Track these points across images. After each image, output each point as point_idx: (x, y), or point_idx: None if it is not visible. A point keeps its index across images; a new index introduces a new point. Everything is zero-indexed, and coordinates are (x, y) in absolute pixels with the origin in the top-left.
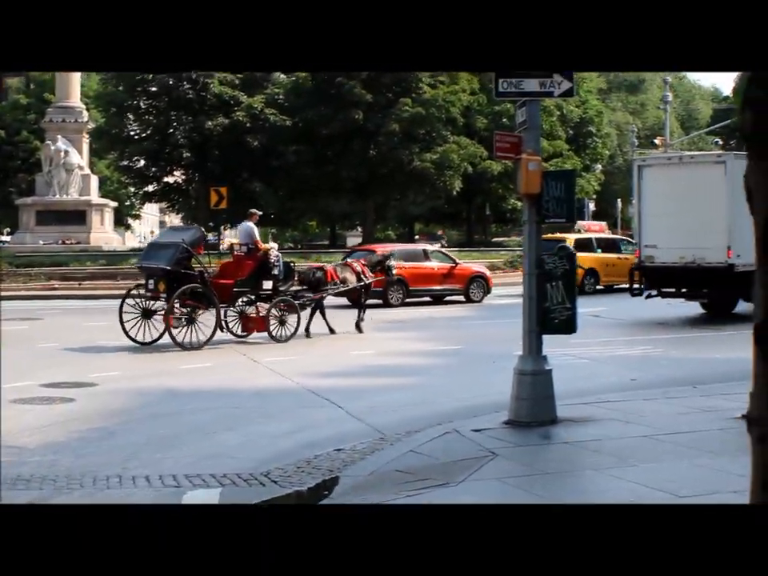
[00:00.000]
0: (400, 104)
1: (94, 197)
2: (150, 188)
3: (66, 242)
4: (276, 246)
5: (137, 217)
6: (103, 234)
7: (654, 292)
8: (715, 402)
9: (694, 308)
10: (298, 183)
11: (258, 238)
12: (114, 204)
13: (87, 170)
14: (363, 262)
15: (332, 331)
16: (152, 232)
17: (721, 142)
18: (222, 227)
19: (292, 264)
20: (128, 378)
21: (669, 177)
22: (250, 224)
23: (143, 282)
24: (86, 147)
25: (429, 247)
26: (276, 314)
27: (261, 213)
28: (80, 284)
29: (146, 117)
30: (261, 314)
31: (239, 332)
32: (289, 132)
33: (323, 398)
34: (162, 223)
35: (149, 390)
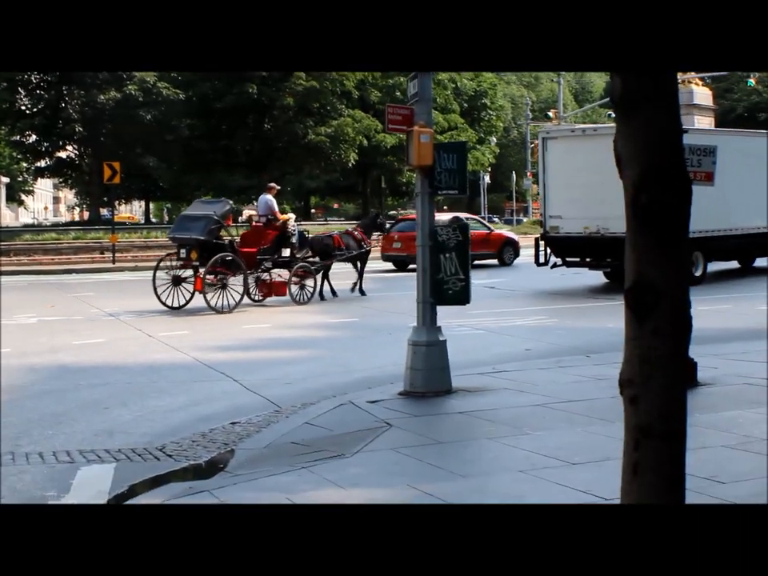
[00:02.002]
0: (294, 77)
1: None
2: (43, 163)
3: None
4: (294, 216)
5: (30, 192)
6: None
7: (559, 261)
8: (607, 370)
9: (596, 277)
10: (192, 157)
11: (277, 209)
12: (6, 180)
13: None
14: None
15: (334, 294)
16: (45, 207)
17: (614, 115)
18: (117, 202)
19: (306, 233)
20: (19, 354)
21: (573, 149)
22: (269, 197)
23: (174, 251)
24: None
25: (466, 215)
26: (296, 279)
27: (279, 187)
28: None
29: (37, 91)
30: (278, 280)
31: (257, 297)
32: (182, 106)
33: (218, 371)
34: (55, 199)
35: (40, 366)
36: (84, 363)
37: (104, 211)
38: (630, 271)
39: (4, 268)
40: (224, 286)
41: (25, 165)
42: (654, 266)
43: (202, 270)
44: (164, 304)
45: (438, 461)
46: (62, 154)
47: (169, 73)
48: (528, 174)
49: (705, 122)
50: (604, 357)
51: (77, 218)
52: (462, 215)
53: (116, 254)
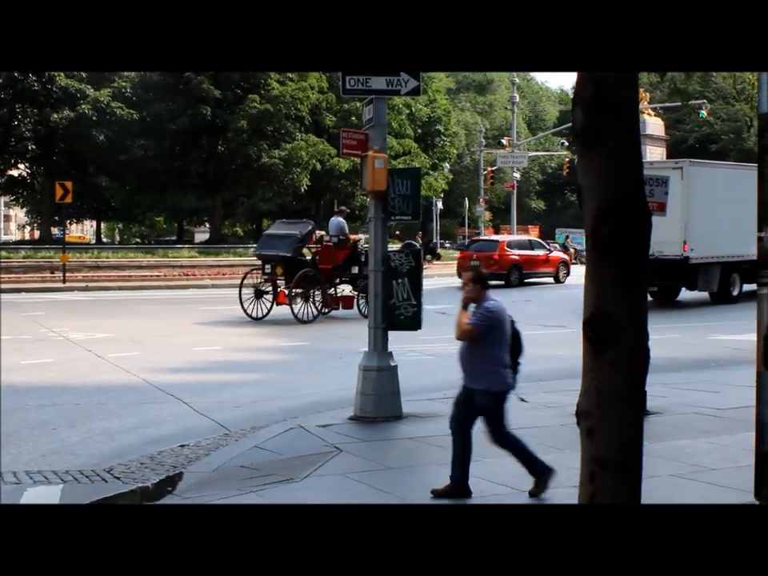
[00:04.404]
0: (248, 100)
1: None
2: None
3: None
4: (363, 237)
5: None
6: None
7: None
8: (557, 397)
9: (543, 304)
10: (145, 178)
11: (347, 230)
12: None
13: None
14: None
15: None
16: None
17: (567, 143)
18: (68, 221)
19: None
20: None
21: None
22: (341, 219)
23: (258, 267)
24: None
25: (532, 238)
26: (363, 294)
27: (348, 210)
28: None
29: None
30: (347, 294)
31: (324, 310)
32: (136, 126)
33: (167, 393)
34: (6, 217)
35: None
36: (32, 383)
37: (55, 230)
38: (588, 303)
39: None
40: (307, 299)
41: None
42: (613, 298)
43: (281, 284)
44: (248, 315)
45: (388, 486)
46: (14, 172)
47: (123, 92)
48: (481, 200)
49: (657, 152)
50: (554, 384)
51: (27, 237)
52: (525, 237)
53: (66, 274)
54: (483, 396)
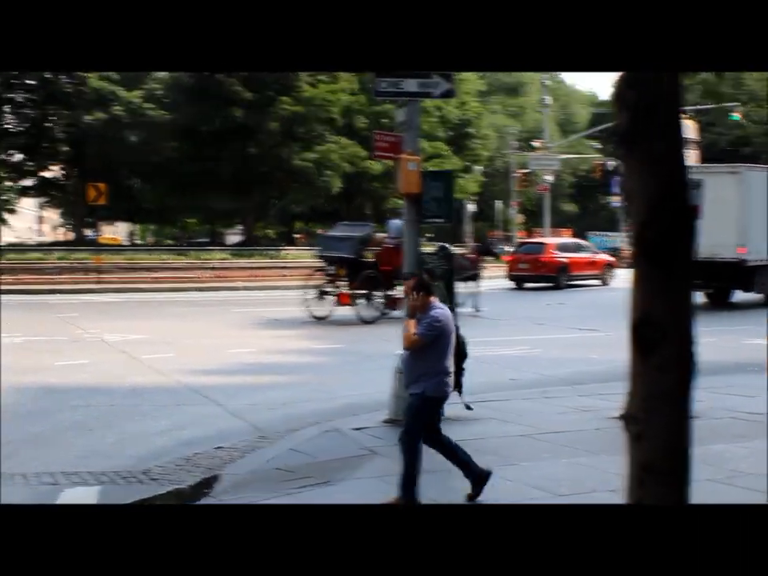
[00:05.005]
0: (280, 102)
1: None
2: (28, 182)
3: None
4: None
5: (13, 212)
6: None
7: None
8: (592, 401)
9: (579, 307)
10: (177, 180)
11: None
12: None
13: None
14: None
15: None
16: (29, 227)
17: (599, 146)
18: (101, 223)
19: None
20: (4, 374)
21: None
22: (400, 221)
23: (321, 268)
24: None
25: (579, 241)
26: None
27: None
28: None
29: (23, 110)
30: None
31: (384, 310)
32: (168, 128)
33: (202, 395)
34: (39, 218)
35: (25, 387)
36: (68, 384)
37: (88, 232)
38: (635, 307)
39: None
40: (369, 300)
41: (9, 184)
42: (659, 301)
43: (342, 285)
44: (312, 315)
45: (423, 490)
46: (47, 174)
47: (155, 94)
48: (513, 203)
49: (689, 154)
50: (588, 388)
51: (60, 238)
52: (572, 240)
53: (100, 275)
54: (415, 399)
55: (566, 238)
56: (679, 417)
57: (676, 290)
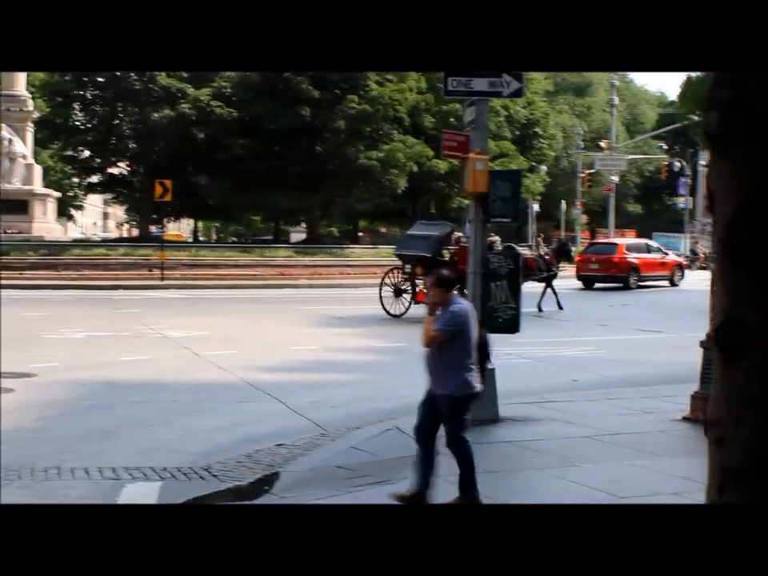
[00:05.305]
0: (347, 101)
1: (37, 186)
2: (94, 179)
3: (8, 231)
4: (499, 239)
5: (80, 208)
6: (45, 224)
7: None
8: (656, 403)
9: (644, 308)
10: (243, 177)
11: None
12: (57, 194)
13: (31, 160)
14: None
15: (540, 309)
16: (94, 223)
17: (666, 147)
18: (166, 219)
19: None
20: (67, 369)
21: None
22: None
23: (397, 266)
24: (30, 136)
25: (649, 242)
26: None
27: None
28: (21, 274)
29: (92, 107)
30: None
31: None
32: (235, 125)
33: (263, 392)
34: (105, 214)
35: (87, 382)
36: (130, 380)
37: (153, 228)
38: (720, 310)
39: (52, 282)
40: None
41: (76, 180)
42: (746, 305)
43: (419, 283)
44: (387, 312)
45: (486, 490)
46: (114, 171)
47: (223, 92)
48: (577, 203)
49: None
50: (652, 390)
51: (125, 234)
52: (643, 240)
53: (164, 272)
54: (446, 401)
55: (636, 239)
56: (765, 422)
57: (764, 294)
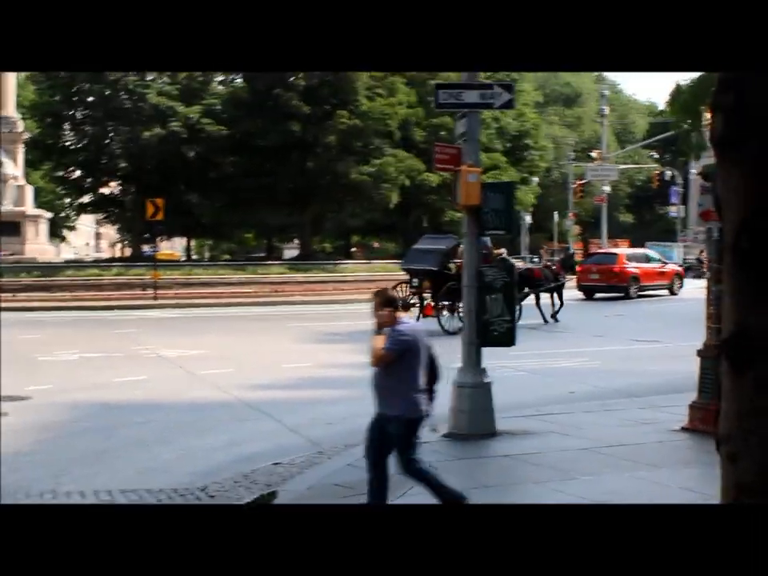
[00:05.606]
0: (337, 116)
1: (29, 208)
2: (86, 199)
3: (3, 253)
4: (505, 251)
5: (72, 228)
6: (38, 245)
7: None
8: (653, 414)
9: (638, 319)
10: (234, 195)
11: (491, 245)
12: (49, 215)
13: (22, 181)
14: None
15: (546, 321)
16: (87, 243)
17: (657, 156)
18: (158, 238)
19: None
20: (61, 391)
21: None
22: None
23: (405, 280)
24: (20, 157)
25: (647, 251)
26: None
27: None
28: (14, 296)
29: (82, 127)
30: None
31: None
32: (226, 143)
33: (259, 410)
34: (97, 234)
35: (82, 404)
36: (125, 401)
37: (146, 248)
38: (728, 320)
39: (46, 304)
40: (452, 311)
41: (68, 200)
42: (756, 314)
43: (427, 297)
44: None
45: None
46: (105, 190)
47: (213, 109)
48: (570, 214)
49: None
50: (648, 400)
51: (118, 254)
52: (641, 250)
53: (158, 291)
54: (396, 423)
55: (635, 249)
56: None
57: None
